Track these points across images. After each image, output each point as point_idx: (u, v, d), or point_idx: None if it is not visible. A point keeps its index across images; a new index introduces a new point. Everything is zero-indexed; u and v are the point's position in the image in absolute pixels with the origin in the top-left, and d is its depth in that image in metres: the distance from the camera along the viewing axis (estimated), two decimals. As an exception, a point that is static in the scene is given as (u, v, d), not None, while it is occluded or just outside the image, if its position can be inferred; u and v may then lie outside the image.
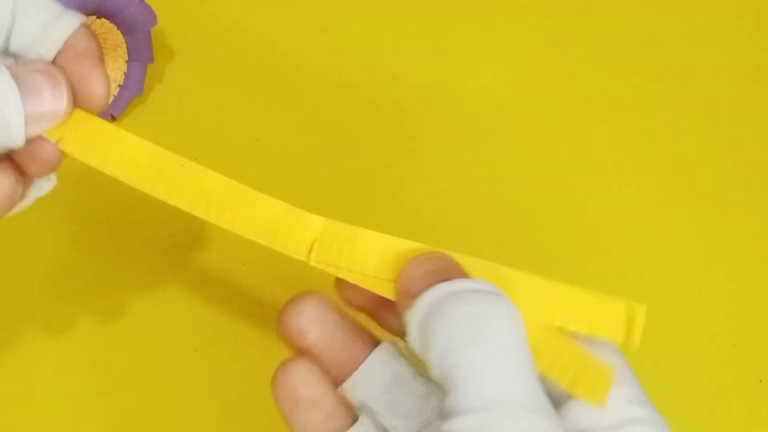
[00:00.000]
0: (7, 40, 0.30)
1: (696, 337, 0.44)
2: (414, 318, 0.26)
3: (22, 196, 0.31)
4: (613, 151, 0.50)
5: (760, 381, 0.43)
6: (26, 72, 0.29)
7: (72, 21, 0.30)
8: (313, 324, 0.30)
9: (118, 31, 0.46)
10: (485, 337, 0.25)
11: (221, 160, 0.48)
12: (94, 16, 0.44)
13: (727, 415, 0.42)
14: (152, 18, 0.47)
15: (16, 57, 0.30)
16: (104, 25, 0.45)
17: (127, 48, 0.48)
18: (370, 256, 0.29)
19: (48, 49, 0.30)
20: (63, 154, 0.30)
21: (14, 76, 0.28)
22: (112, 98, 0.48)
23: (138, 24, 0.47)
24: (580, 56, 0.54)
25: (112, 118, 0.49)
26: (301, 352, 0.30)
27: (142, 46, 0.48)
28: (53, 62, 0.30)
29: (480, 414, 0.23)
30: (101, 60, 0.31)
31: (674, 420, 0.42)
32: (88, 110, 0.30)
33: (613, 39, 0.54)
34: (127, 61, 0.48)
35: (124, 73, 0.48)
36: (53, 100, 0.29)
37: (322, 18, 0.54)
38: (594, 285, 0.45)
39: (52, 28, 0.30)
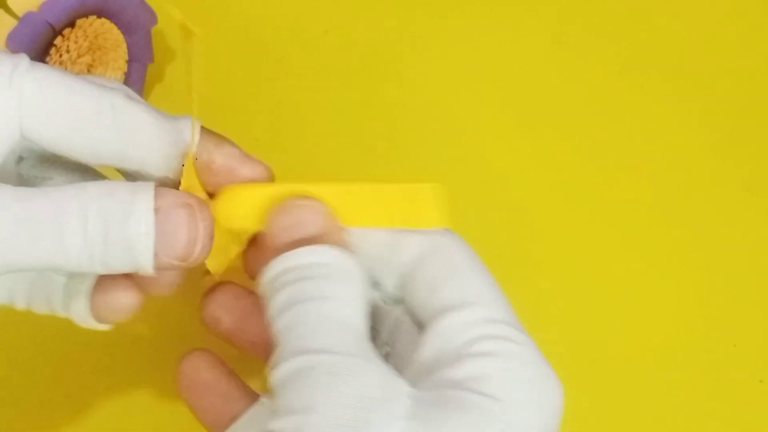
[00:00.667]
0: (121, 157, 0.29)
1: (696, 337, 0.44)
2: (264, 283, 0.28)
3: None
4: (613, 150, 0.50)
5: (760, 381, 0.43)
6: (171, 205, 0.27)
7: (188, 136, 0.29)
8: (225, 312, 0.33)
9: (119, 31, 0.46)
10: (315, 316, 0.26)
11: (221, 159, 0.49)
12: (94, 16, 0.44)
13: (727, 415, 0.42)
14: (152, 18, 0.47)
15: (134, 175, 0.29)
16: (104, 25, 0.45)
17: (128, 48, 0.48)
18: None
19: (174, 168, 0.29)
20: (185, 274, 0.30)
21: (157, 209, 0.26)
22: (112, 98, 0.48)
23: (138, 24, 0.47)
24: (582, 55, 0.54)
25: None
26: (221, 337, 0.33)
27: (142, 46, 0.48)
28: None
29: (297, 358, 0.25)
30: (248, 156, 0.31)
31: (674, 420, 0.42)
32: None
33: (614, 39, 0.54)
34: (127, 61, 0.48)
35: (125, 73, 0.48)
36: (186, 245, 0.27)
37: (322, 18, 0.54)
38: (593, 283, 0.45)
39: (174, 146, 0.29)
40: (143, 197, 0.26)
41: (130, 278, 0.30)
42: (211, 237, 0.28)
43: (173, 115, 0.30)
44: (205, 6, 0.54)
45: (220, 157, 0.30)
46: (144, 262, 0.26)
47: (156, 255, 0.26)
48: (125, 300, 0.30)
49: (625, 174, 0.49)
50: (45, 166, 0.30)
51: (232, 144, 0.31)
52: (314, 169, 0.49)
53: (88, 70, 0.46)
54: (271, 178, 0.31)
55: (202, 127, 0.30)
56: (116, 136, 0.28)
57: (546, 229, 0.47)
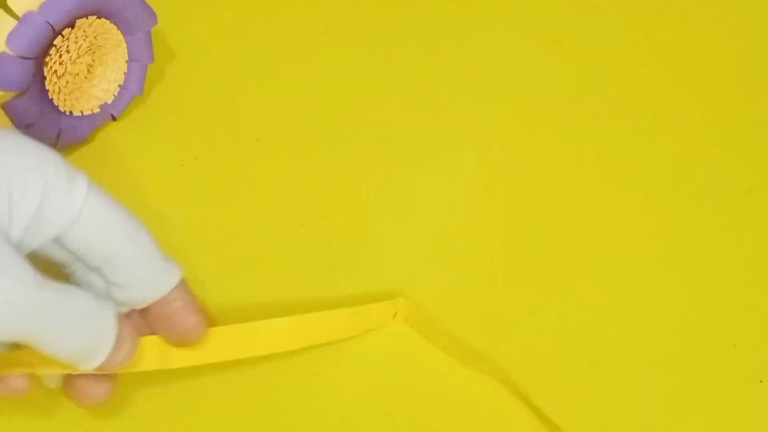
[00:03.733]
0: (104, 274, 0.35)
1: (696, 337, 0.44)
2: None
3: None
4: (613, 150, 0.50)
5: (760, 381, 0.43)
6: (124, 330, 0.34)
7: (172, 280, 0.36)
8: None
9: (119, 31, 0.46)
10: None
11: (221, 160, 0.49)
12: (94, 16, 0.44)
13: (727, 415, 0.42)
14: (152, 18, 0.47)
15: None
16: (104, 25, 0.45)
17: (128, 48, 0.48)
18: None
19: (145, 302, 0.36)
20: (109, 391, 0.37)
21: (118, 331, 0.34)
22: (112, 98, 0.48)
23: (138, 24, 0.47)
24: (579, 57, 0.54)
25: (113, 118, 0.49)
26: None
27: (142, 46, 0.48)
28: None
29: None
30: (196, 309, 0.37)
31: (674, 420, 0.42)
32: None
33: (613, 39, 0.54)
34: (127, 61, 0.48)
35: (125, 73, 0.48)
36: (123, 360, 0.35)
37: (322, 18, 0.54)
38: (592, 283, 0.45)
39: (155, 288, 0.36)
40: (113, 322, 0.34)
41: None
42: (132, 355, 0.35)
43: (165, 258, 0.36)
44: (206, 6, 0.54)
45: (180, 302, 0.37)
46: (95, 362, 0.33)
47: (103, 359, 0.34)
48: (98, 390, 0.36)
49: (625, 174, 0.49)
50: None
51: (193, 296, 0.37)
52: (314, 169, 0.49)
53: (88, 70, 0.46)
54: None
55: (182, 282, 0.36)
56: (132, 255, 0.35)
57: (546, 229, 0.47)
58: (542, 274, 0.46)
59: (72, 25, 0.43)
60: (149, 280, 0.35)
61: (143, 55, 0.48)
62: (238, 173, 0.48)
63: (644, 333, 0.44)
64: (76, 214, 0.33)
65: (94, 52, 0.46)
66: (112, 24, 0.46)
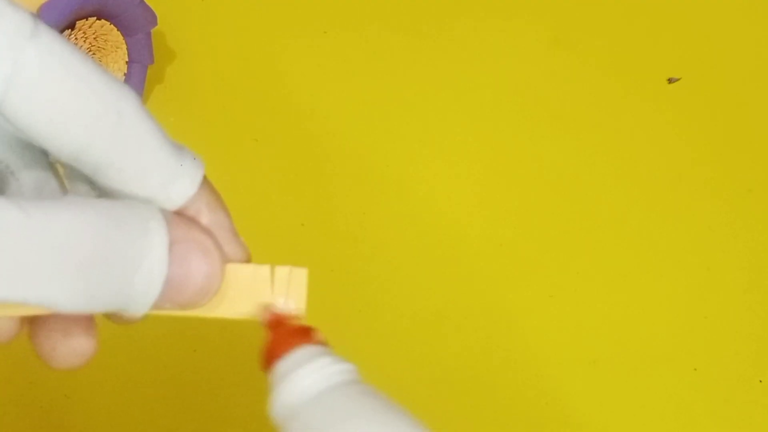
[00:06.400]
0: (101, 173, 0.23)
1: (696, 337, 0.44)
2: None
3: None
4: (613, 151, 0.50)
5: (760, 381, 0.43)
6: (184, 243, 0.22)
7: (188, 187, 0.24)
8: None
9: (119, 32, 0.46)
10: None
11: (221, 160, 0.49)
12: (94, 18, 0.44)
13: (728, 415, 0.42)
14: (152, 19, 0.47)
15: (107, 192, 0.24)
16: (104, 26, 0.45)
17: (128, 49, 0.48)
18: None
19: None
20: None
21: (172, 242, 0.22)
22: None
23: (138, 25, 0.47)
24: (579, 57, 0.54)
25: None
26: None
27: (142, 47, 0.48)
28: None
29: None
30: (234, 232, 0.25)
31: (674, 420, 0.42)
32: None
33: (612, 39, 0.54)
34: (127, 62, 0.48)
35: (125, 74, 0.48)
36: (195, 295, 0.23)
37: (322, 18, 0.54)
38: (593, 278, 0.45)
39: (165, 192, 0.23)
40: (157, 230, 0.22)
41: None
42: (219, 285, 0.24)
43: (180, 144, 0.25)
44: (206, 7, 0.54)
45: (207, 222, 0.24)
46: (140, 309, 0.22)
47: (157, 300, 0.22)
48: (79, 348, 0.24)
49: (625, 174, 0.49)
50: (4, 147, 0.24)
51: (226, 214, 0.26)
52: (314, 168, 0.49)
53: (88, 71, 0.46)
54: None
55: (205, 178, 0.25)
56: (110, 151, 0.23)
57: (546, 229, 0.47)
58: (542, 274, 0.46)
59: (72, 27, 0.43)
60: (149, 184, 0.23)
61: (143, 56, 0.48)
62: (238, 173, 0.48)
63: (644, 333, 0.44)
64: (8, 72, 0.21)
65: (94, 54, 0.46)
66: (112, 25, 0.46)
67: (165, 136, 0.24)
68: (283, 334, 0.25)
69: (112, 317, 0.24)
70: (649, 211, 0.48)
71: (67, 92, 0.22)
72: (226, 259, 0.24)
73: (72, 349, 0.24)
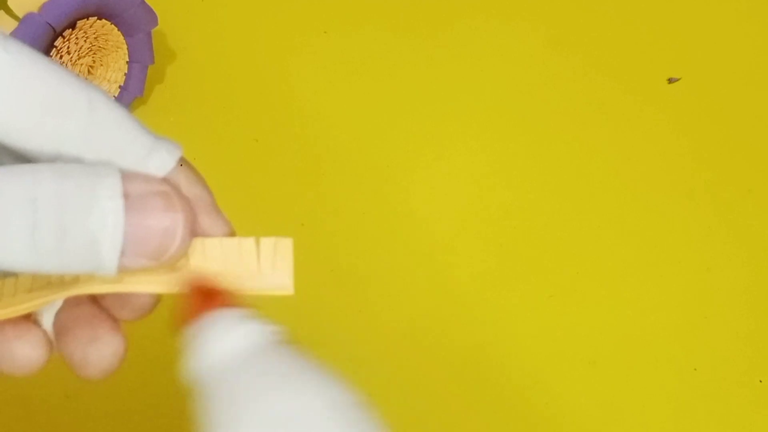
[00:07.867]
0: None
1: (696, 337, 0.44)
2: None
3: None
4: (612, 152, 0.50)
5: (760, 381, 0.43)
6: (142, 192, 0.22)
7: (166, 159, 0.24)
8: None
9: (119, 32, 0.47)
10: None
11: (221, 160, 0.49)
12: (95, 17, 0.44)
13: (728, 415, 0.42)
14: (153, 19, 0.47)
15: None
16: (105, 26, 0.45)
17: (128, 49, 0.48)
18: None
19: None
20: (158, 299, 0.26)
21: (125, 196, 0.22)
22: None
23: (138, 25, 0.47)
24: (579, 57, 0.54)
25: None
26: None
27: (142, 47, 0.48)
28: None
29: None
30: (215, 207, 0.25)
31: (674, 420, 0.42)
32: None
33: (612, 40, 0.54)
34: (127, 62, 0.48)
35: (125, 74, 0.48)
36: (162, 240, 0.22)
37: (322, 18, 0.54)
38: (593, 278, 0.45)
39: (143, 164, 0.23)
40: (109, 181, 0.21)
41: (98, 305, 0.25)
42: (191, 231, 0.23)
43: (156, 133, 0.24)
44: (206, 6, 0.54)
45: (186, 195, 0.24)
46: (107, 261, 0.22)
47: (123, 252, 0.22)
48: (110, 349, 0.25)
49: (625, 174, 0.49)
50: None
51: (207, 190, 0.25)
52: (314, 168, 0.49)
53: (89, 71, 0.46)
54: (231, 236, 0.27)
55: (185, 160, 0.25)
56: (85, 136, 0.23)
57: (545, 229, 0.47)
58: (542, 274, 0.46)
59: (72, 26, 0.43)
60: (127, 160, 0.23)
61: (144, 56, 0.48)
62: (238, 173, 0.48)
63: (644, 333, 0.44)
64: None
65: (94, 53, 0.46)
66: (112, 25, 0.46)
67: (138, 120, 0.24)
68: (208, 295, 0.25)
69: (114, 312, 0.25)
70: (648, 211, 0.48)
71: (39, 85, 0.22)
72: (193, 211, 0.24)
73: (104, 352, 0.25)
